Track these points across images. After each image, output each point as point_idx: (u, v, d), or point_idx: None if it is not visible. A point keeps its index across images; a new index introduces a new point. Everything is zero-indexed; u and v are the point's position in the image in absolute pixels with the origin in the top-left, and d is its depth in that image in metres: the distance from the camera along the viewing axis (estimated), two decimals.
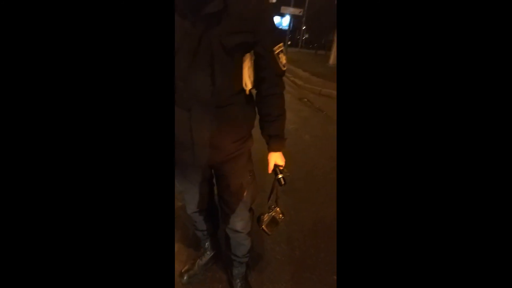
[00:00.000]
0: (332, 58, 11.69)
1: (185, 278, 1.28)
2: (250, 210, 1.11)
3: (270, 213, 1.06)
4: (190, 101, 0.83)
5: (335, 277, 1.34)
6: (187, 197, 1.13)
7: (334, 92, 5.12)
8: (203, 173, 1.05)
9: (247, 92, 0.91)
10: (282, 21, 14.01)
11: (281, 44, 0.89)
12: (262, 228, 1.06)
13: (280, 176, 1.02)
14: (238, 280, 1.25)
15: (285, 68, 0.92)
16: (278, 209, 1.07)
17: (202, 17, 0.73)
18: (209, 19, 0.74)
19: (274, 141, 1.01)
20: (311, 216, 1.78)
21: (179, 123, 0.86)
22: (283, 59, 0.90)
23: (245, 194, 1.05)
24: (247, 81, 0.89)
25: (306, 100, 4.96)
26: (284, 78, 0.97)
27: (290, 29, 14.11)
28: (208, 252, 1.34)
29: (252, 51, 0.86)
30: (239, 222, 1.09)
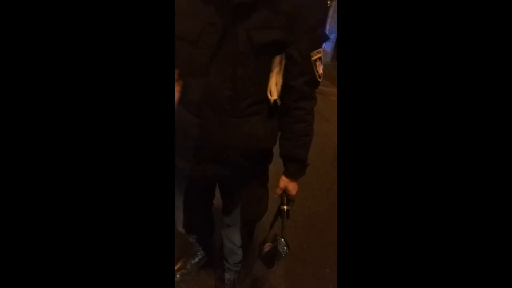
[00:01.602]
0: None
1: (177, 276, 1.26)
2: (251, 225, 1.03)
3: (273, 243, 0.89)
4: (202, 105, 0.68)
5: (328, 270, 1.36)
6: (180, 214, 0.98)
7: (326, 89, 5.11)
8: (204, 191, 0.92)
9: (272, 102, 0.75)
10: None
11: (320, 49, 0.73)
12: (261, 259, 0.92)
13: (285, 207, 0.86)
14: (228, 285, 1.23)
15: (321, 79, 0.75)
16: (283, 240, 0.89)
17: (231, 6, 0.61)
18: (239, 9, 0.61)
19: (292, 166, 0.84)
20: (304, 211, 1.79)
21: (184, 129, 0.71)
22: (320, 68, 0.73)
23: (249, 213, 0.94)
24: (273, 89, 0.73)
25: None
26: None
27: None
28: (200, 253, 1.32)
29: (283, 54, 0.69)
30: (237, 236, 1.03)
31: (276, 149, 0.86)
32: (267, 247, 0.90)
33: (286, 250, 0.89)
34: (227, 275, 1.23)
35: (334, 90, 3.90)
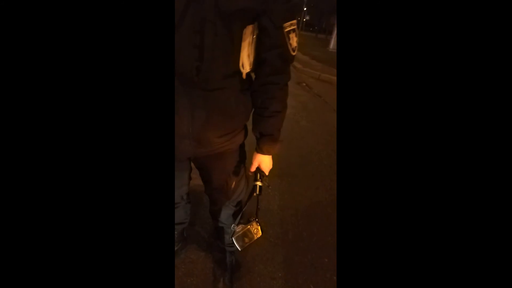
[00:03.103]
0: (333, 43, 11.44)
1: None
2: (238, 203, 1.03)
3: (245, 225, 0.91)
4: None
5: (326, 260, 1.37)
6: None
7: (334, 78, 5.06)
8: (178, 165, 0.88)
9: (244, 75, 0.72)
10: None
11: (294, 21, 0.68)
12: (233, 239, 0.92)
13: (258, 183, 0.86)
14: (229, 267, 1.24)
15: (295, 53, 0.71)
16: (255, 223, 0.91)
17: None
18: None
19: (265, 142, 0.82)
20: (305, 201, 1.80)
21: None
22: (294, 40, 0.70)
23: (230, 191, 0.94)
24: (245, 62, 0.70)
25: (304, 84, 4.89)
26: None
27: None
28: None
29: (255, 24, 0.66)
30: (224, 215, 1.05)
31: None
32: (239, 228, 0.91)
33: (258, 234, 0.91)
34: (228, 257, 1.24)
35: None
